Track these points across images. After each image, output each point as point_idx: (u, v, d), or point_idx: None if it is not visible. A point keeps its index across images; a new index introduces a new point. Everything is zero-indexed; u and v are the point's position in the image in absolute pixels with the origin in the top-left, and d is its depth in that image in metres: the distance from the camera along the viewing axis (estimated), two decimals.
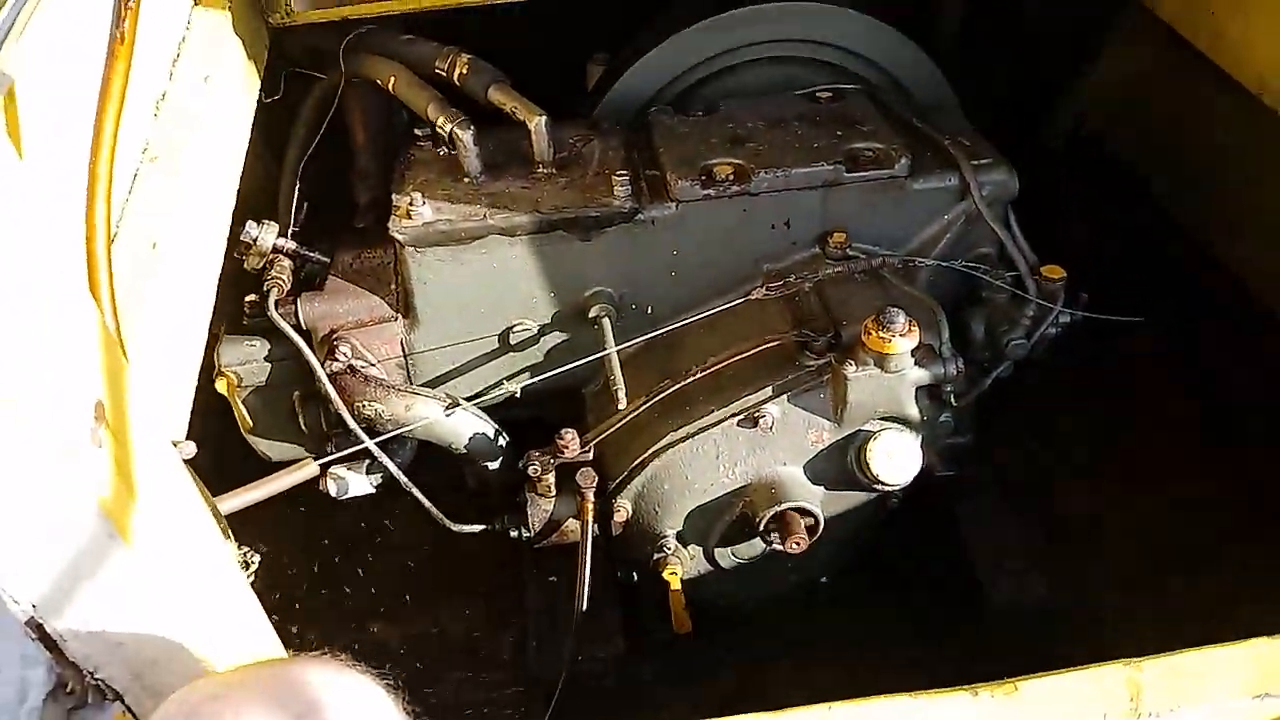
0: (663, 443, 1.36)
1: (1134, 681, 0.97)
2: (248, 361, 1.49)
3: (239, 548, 0.97)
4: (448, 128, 1.45)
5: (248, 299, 1.49)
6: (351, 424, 1.42)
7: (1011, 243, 1.44)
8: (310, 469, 1.23)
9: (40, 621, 0.67)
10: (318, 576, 1.76)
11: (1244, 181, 1.88)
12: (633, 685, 1.56)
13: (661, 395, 1.38)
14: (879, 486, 1.34)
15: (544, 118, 1.45)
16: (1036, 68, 2.31)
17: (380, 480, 1.53)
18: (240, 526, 1.00)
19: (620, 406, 1.34)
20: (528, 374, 1.53)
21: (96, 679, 0.71)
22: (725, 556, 1.46)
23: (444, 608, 1.72)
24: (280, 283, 1.45)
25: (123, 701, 0.73)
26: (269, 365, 1.50)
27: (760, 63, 1.69)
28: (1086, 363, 1.80)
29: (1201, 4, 1.79)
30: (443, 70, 1.53)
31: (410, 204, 1.40)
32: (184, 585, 0.76)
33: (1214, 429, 1.99)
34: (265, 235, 1.45)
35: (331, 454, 1.50)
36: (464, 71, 1.51)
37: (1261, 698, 0.96)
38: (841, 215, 1.45)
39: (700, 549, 1.45)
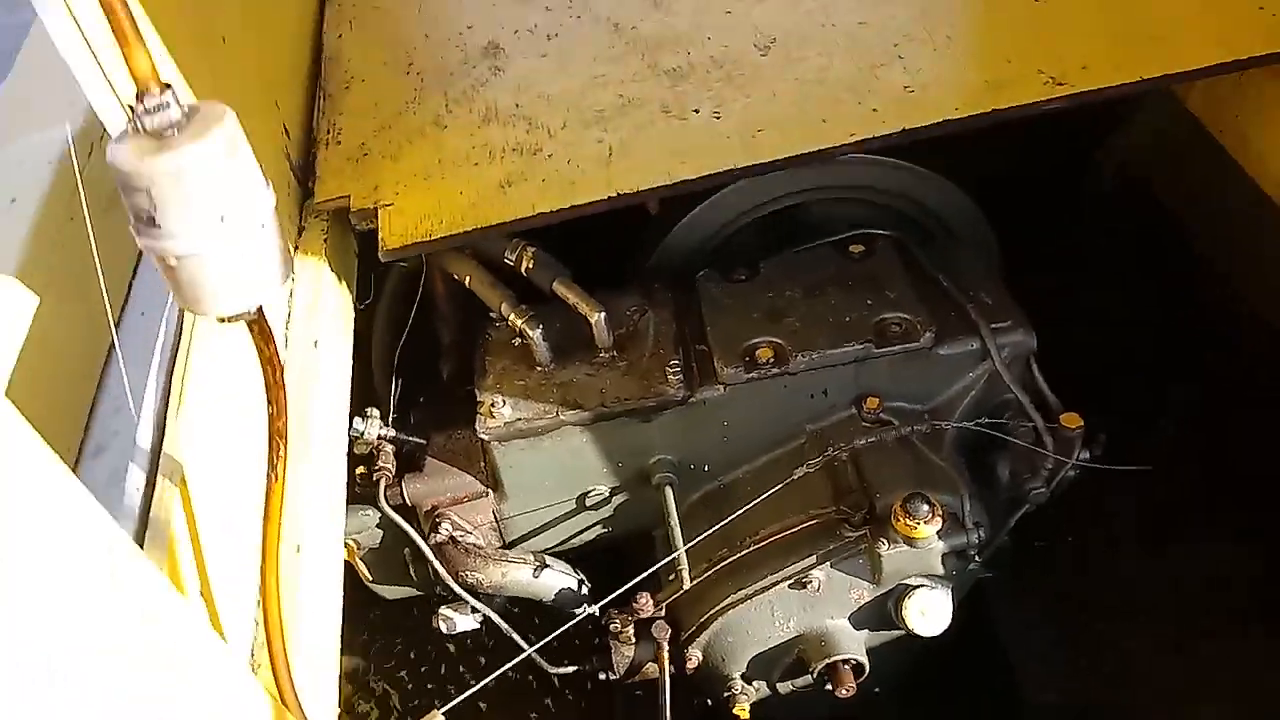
0: (725, 603, 1.57)
1: None
2: (363, 529, 1.73)
3: None
4: (518, 324, 1.66)
5: (359, 472, 1.72)
6: (455, 588, 1.66)
7: (1028, 400, 1.60)
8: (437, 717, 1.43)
9: None
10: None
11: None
12: None
13: (723, 562, 1.58)
14: (916, 634, 1.53)
15: (603, 314, 1.63)
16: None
17: (483, 618, 1.77)
18: None
19: (685, 582, 1.55)
20: (602, 527, 1.75)
21: None
22: (786, 688, 1.67)
23: None
24: (386, 472, 1.67)
25: None
26: (381, 531, 1.73)
27: (810, 206, 1.84)
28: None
29: (1229, 106, 1.87)
30: (511, 260, 1.72)
31: (492, 405, 1.61)
32: None
33: (1250, 496, 2.12)
34: (370, 429, 1.67)
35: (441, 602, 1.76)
36: (530, 265, 1.70)
37: None
38: (873, 381, 1.61)
39: (764, 683, 1.66)
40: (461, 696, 1.59)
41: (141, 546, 1.02)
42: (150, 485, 1.07)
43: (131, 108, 0.71)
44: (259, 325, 0.87)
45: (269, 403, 0.97)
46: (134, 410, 1.15)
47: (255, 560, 1.06)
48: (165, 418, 1.11)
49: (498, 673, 1.61)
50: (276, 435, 0.98)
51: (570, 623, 1.61)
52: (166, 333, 1.19)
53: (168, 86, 0.71)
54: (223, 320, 0.83)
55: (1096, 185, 2.74)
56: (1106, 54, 1.50)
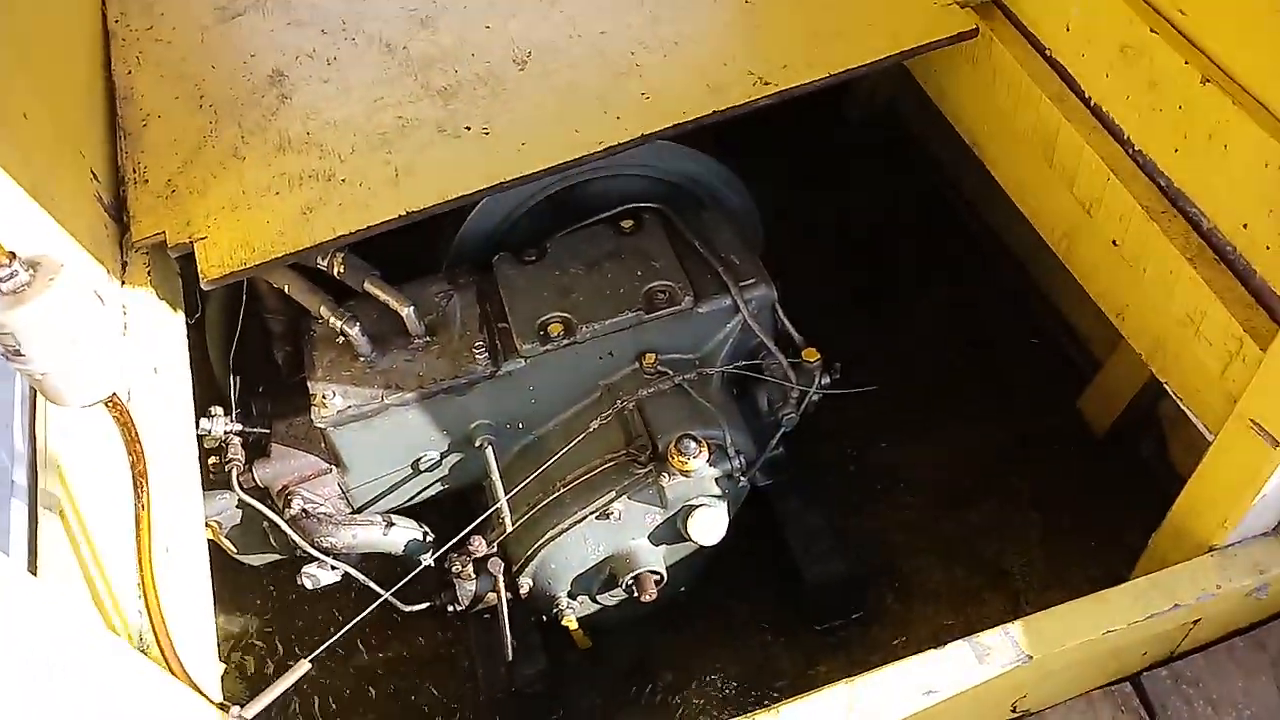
0: (545, 537, 1.88)
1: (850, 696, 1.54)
2: (223, 511, 1.95)
3: None
4: (338, 324, 1.88)
5: (211, 462, 1.94)
6: (313, 553, 1.92)
7: (771, 344, 1.93)
8: (304, 666, 1.69)
9: None
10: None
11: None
12: (559, 681, 2.14)
13: (539, 505, 1.89)
14: (701, 545, 1.89)
15: (411, 307, 1.87)
16: None
17: (341, 574, 2.03)
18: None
19: (508, 526, 1.85)
20: (439, 484, 2.03)
21: None
22: (605, 599, 2.02)
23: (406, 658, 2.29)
24: (237, 461, 1.89)
25: None
26: (240, 510, 1.96)
27: (585, 185, 2.09)
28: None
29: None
30: (324, 266, 1.93)
31: (324, 396, 1.84)
32: None
33: (989, 382, 2.56)
34: (216, 426, 1.88)
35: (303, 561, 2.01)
36: (342, 270, 1.91)
37: (927, 695, 1.54)
38: (649, 340, 1.92)
39: (586, 598, 2.00)
40: (327, 642, 1.86)
41: (34, 574, 1.25)
42: (34, 520, 1.29)
43: None
44: (113, 402, 1.09)
45: (129, 453, 1.20)
46: (6, 456, 1.35)
47: (133, 566, 1.29)
48: (35, 462, 1.32)
49: (358, 618, 1.89)
50: (140, 477, 1.21)
51: (414, 572, 1.89)
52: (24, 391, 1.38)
53: (13, 256, 0.92)
54: (81, 408, 1.05)
55: (852, 112, 3.11)
56: (803, 53, 1.80)
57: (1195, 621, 1.78)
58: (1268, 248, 1.44)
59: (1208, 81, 1.46)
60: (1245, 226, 1.49)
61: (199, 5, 2.04)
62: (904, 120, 2.99)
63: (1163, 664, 1.97)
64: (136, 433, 1.14)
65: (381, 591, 1.94)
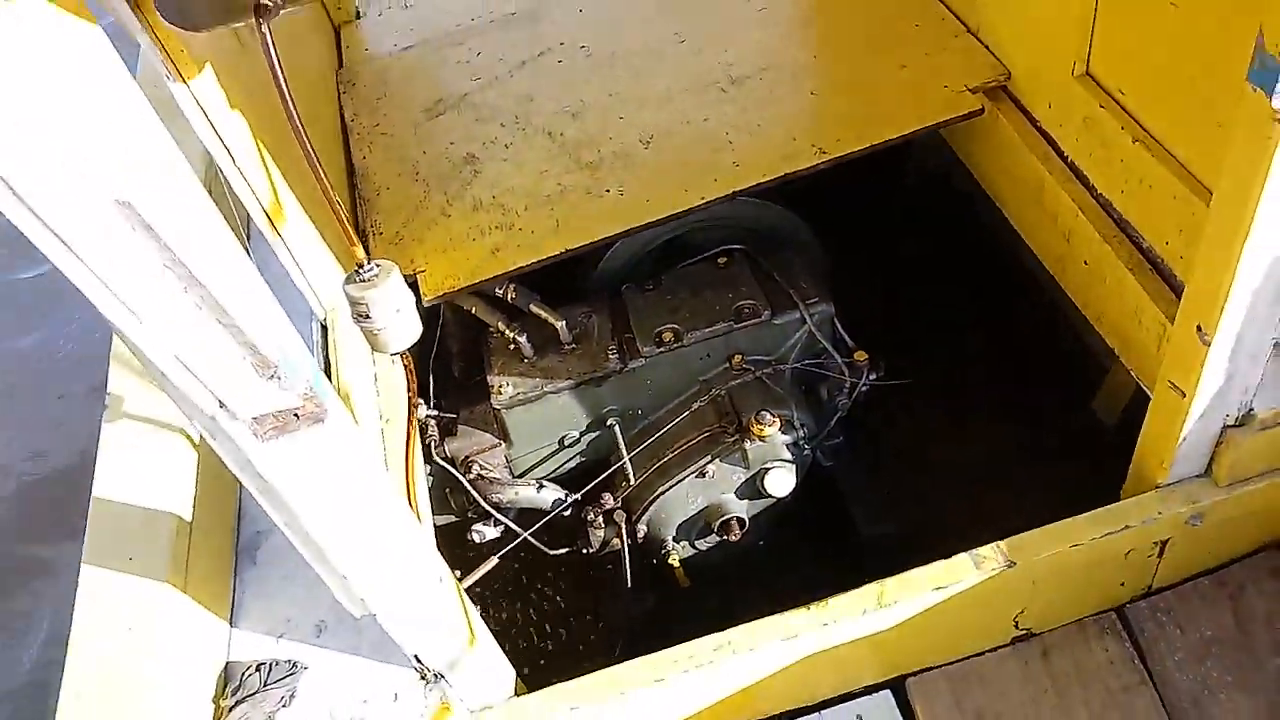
0: (657, 493, 2.51)
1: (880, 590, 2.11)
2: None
3: None
4: (510, 334, 2.57)
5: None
6: (485, 506, 2.58)
7: (830, 347, 2.55)
8: (493, 561, 2.35)
9: None
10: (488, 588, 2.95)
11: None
12: (663, 619, 2.73)
13: (653, 468, 2.52)
14: (774, 497, 2.50)
15: (564, 322, 2.54)
16: None
17: (502, 530, 2.68)
18: None
19: (631, 482, 2.49)
20: (579, 457, 2.69)
21: None
22: (702, 544, 2.63)
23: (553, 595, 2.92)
24: (434, 438, 2.58)
25: None
26: (431, 477, 2.64)
27: (692, 233, 2.75)
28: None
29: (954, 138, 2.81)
30: (501, 294, 2.62)
31: (499, 386, 2.53)
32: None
33: (1018, 389, 3.12)
34: (420, 411, 2.58)
35: (472, 521, 2.67)
36: (514, 295, 2.59)
37: (937, 590, 2.10)
38: (738, 345, 2.55)
39: (687, 542, 2.62)
40: (479, 571, 2.46)
41: None
42: None
43: (357, 270, 1.62)
44: (405, 354, 1.78)
45: (408, 385, 1.87)
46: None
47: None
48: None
49: (507, 548, 2.51)
50: (413, 399, 1.89)
51: (558, 509, 2.54)
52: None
53: (370, 260, 1.63)
54: (393, 354, 1.74)
55: (910, 179, 3.71)
56: (851, 130, 2.45)
57: (1160, 553, 2.30)
58: (1180, 257, 2.02)
59: (1137, 141, 2.05)
60: (1167, 243, 2.06)
61: (411, 107, 2.81)
62: (953, 184, 3.59)
63: (1142, 598, 2.49)
64: (413, 373, 1.82)
65: (529, 537, 2.58)
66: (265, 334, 1.25)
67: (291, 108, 1.40)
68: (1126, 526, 2.10)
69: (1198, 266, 1.77)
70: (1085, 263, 2.30)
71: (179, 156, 1.08)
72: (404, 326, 1.66)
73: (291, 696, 1.96)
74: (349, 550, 1.59)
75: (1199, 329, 1.80)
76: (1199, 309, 1.79)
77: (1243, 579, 2.49)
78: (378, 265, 1.62)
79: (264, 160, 1.89)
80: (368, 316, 1.63)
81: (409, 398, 1.85)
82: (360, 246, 1.61)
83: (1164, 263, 2.09)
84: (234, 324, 1.19)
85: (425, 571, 1.76)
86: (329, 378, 2.04)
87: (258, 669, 1.99)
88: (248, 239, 2.40)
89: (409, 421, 1.88)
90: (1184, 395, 1.92)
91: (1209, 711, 2.33)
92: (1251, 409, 2.00)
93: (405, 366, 1.80)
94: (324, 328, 2.15)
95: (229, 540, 2.18)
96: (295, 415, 1.38)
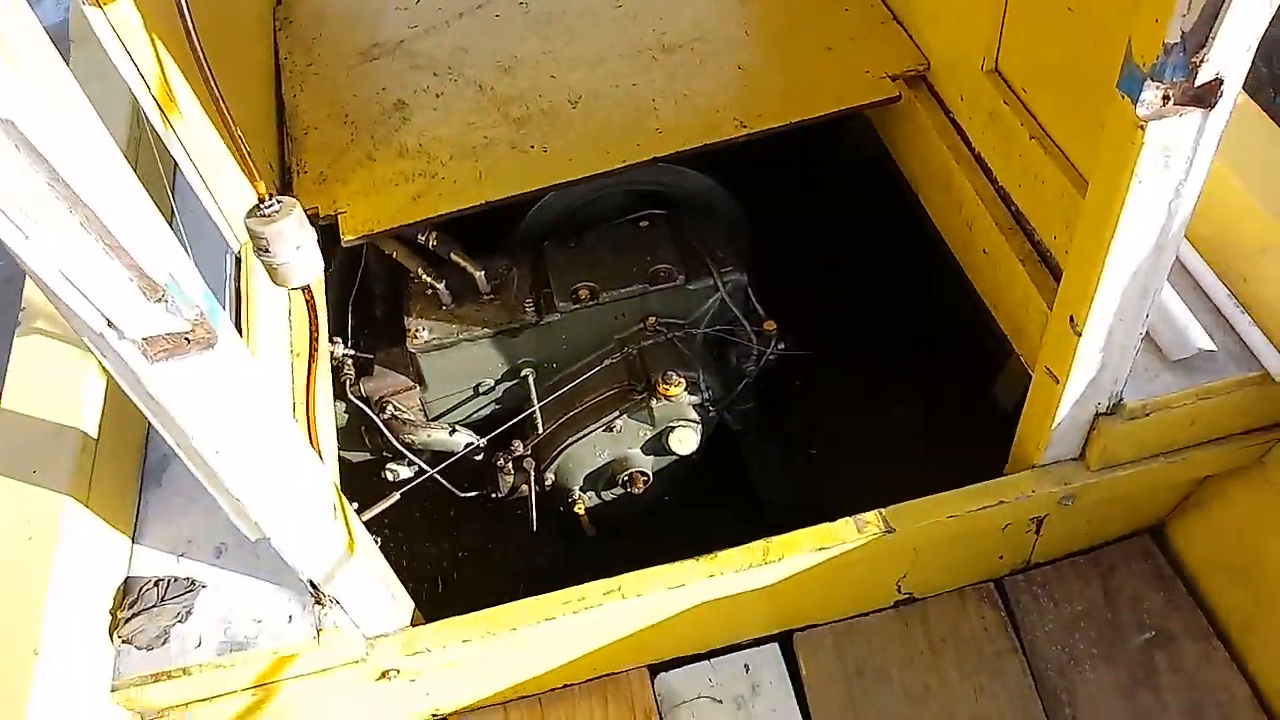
0: (566, 443, 2.59)
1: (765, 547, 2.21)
2: (335, 414, 2.69)
3: None
4: (429, 280, 2.62)
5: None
6: (399, 447, 2.64)
7: (741, 316, 2.63)
8: (395, 496, 2.41)
9: None
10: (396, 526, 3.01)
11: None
12: (567, 566, 2.82)
13: (563, 419, 2.60)
14: (678, 455, 2.59)
15: (483, 271, 2.60)
16: None
17: (415, 470, 2.75)
18: None
19: (540, 431, 2.57)
20: (493, 405, 2.75)
21: None
22: (607, 496, 2.72)
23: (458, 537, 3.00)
24: (349, 375, 2.64)
25: None
26: (347, 415, 2.70)
27: (616, 195, 2.81)
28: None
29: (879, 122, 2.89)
30: (423, 240, 2.67)
31: (416, 329, 2.58)
32: None
33: (925, 369, 3.23)
34: (337, 349, 2.63)
35: (386, 460, 2.73)
36: (435, 242, 2.64)
37: (819, 550, 2.21)
38: (652, 307, 2.63)
39: (593, 493, 2.71)
40: (380, 505, 2.50)
41: None
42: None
43: (258, 205, 1.66)
44: (308, 289, 1.83)
45: (311, 325, 1.93)
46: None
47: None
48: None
49: (409, 485, 2.56)
50: (315, 341, 1.94)
51: (463, 448, 2.61)
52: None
53: (272, 194, 1.67)
54: (293, 289, 1.79)
55: (841, 161, 3.78)
56: (774, 108, 2.52)
57: (1037, 529, 2.43)
58: (1066, 251, 2.12)
59: (1034, 137, 2.14)
60: (1055, 237, 2.17)
61: (345, 50, 2.83)
62: (882, 166, 3.67)
63: (1020, 572, 2.63)
64: (317, 310, 1.88)
65: (439, 477, 2.64)
66: (152, 258, 1.29)
67: (194, 38, 1.44)
68: (1001, 502, 2.22)
69: (1072, 259, 1.87)
70: (984, 251, 2.40)
71: (68, 77, 1.12)
72: (304, 263, 1.71)
73: (188, 613, 2.02)
74: (242, 475, 1.65)
75: (1071, 319, 1.90)
76: (1072, 299, 1.89)
77: (1114, 559, 2.65)
78: (279, 201, 1.67)
79: (177, 93, 1.92)
80: (268, 251, 1.68)
81: (311, 331, 1.90)
82: (262, 183, 1.65)
83: (1051, 255, 2.20)
84: (119, 246, 1.24)
85: (320, 501, 1.82)
86: (240, 308, 2.09)
87: (156, 584, 2.05)
88: (173, 185, 2.44)
89: (311, 355, 1.93)
90: (1058, 382, 2.03)
91: (1073, 680, 2.48)
92: (1121, 399, 2.11)
93: (308, 301, 1.85)
94: (239, 260, 2.18)
95: (136, 461, 2.23)
96: (185, 339, 1.43)
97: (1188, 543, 2.58)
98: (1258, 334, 2.14)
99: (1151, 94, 1.52)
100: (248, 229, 1.69)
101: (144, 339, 1.39)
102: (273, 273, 1.75)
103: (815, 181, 3.64)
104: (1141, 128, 1.53)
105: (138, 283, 1.31)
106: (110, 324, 1.35)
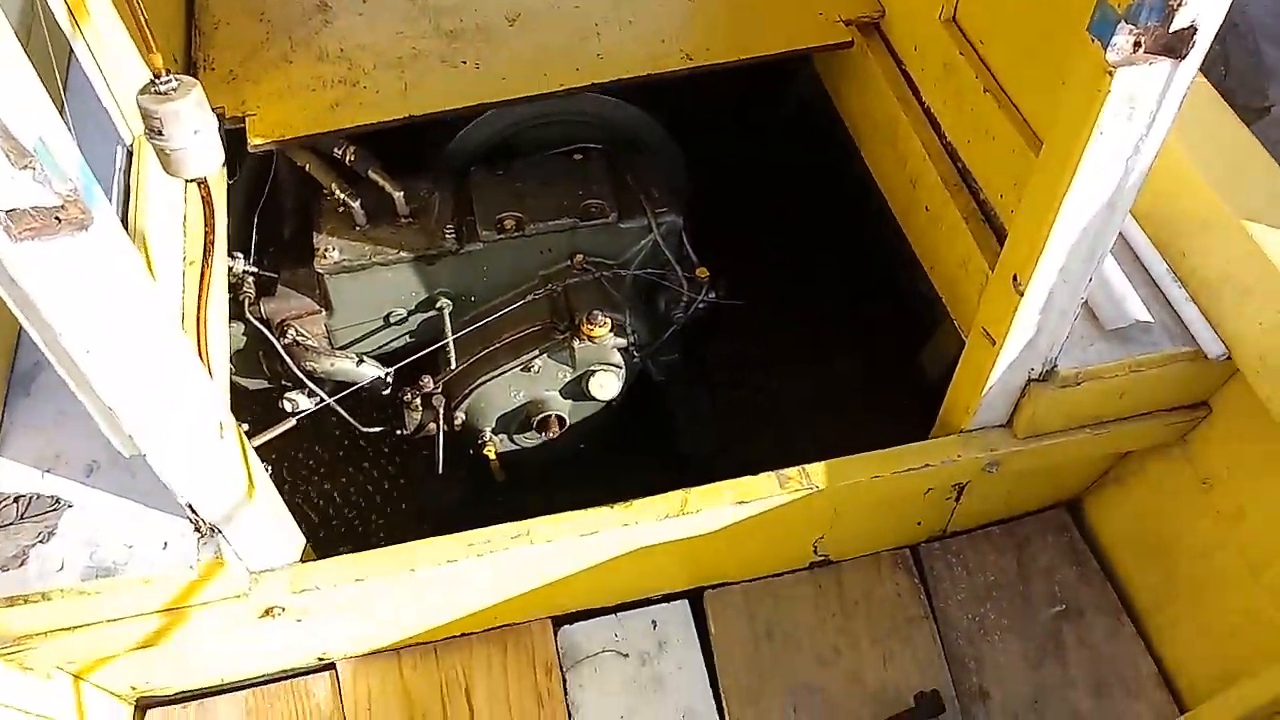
0: (479, 380, 2.45)
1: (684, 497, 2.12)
2: (230, 337, 2.50)
3: None
4: (343, 197, 2.44)
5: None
6: (298, 375, 2.47)
7: (673, 260, 2.52)
8: (291, 421, 2.25)
9: None
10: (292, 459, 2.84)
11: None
12: (473, 512, 2.69)
13: (478, 355, 2.46)
14: (598, 400, 2.47)
15: (401, 192, 2.43)
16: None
17: (316, 402, 2.58)
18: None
19: (452, 366, 2.43)
20: (406, 337, 2.59)
21: None
22: (520, 440, 2.60)
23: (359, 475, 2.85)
24: (249, 295, 2.45)
25: None
26: (245, 338, 2.52)
27: (551, 124, 2.67)
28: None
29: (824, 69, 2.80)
30: (339, 154, 2.48)
31: (325, 249, 2.41)
32: None
33: (854, 329, 3.17)
34: (237, 265, 2.44)
35: (285, 389, 2.55)
36: (353, 157, 2.46)
37: (739, 504, 2.12)
38: (581, 243, 2.50)
39: (505, 436, 2.58)
40: (272, 431, 2.34)
41: None
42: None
43: (153, 81, 1.48)
44: (203, 183, 1.66)
45: (206, 224, 1.75)
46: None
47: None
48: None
49: (305, 412, 2.41)
50: (209, 243, 1.77)
51: (369, 380, 2.45)
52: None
53: (169, 71, 1.49)
54: (188, 181, 1.62)
55: (786, 111, 3.69)
56: (723, 42, 2.40)
57: (958, 497, 2.39)
58: (1012, 211, 2.05)
59: (987, 91, 2.07)
60: (1001, 196, 2.10)
61: None
62: (826, 118, 3.59)
63: (936, 540, 2.60)
64: (214, 210, 1.70)
65: (340, 410, 2.48)
66: (20, 117, 1.13)
67: None
68: (927, 465, 2.16)
69: (1020, 216, 1.81)
70: (926, 208, 2.33)
71: None
72: (201, 151, 1.54)
73: (50, 533, 1.84)
74: (115, 381, 1.49)
75: (1014, 278, 1.84)
76: (1017, 258, 1.83)
77: (1030, 531, 2.63)
78: (177, 79, 1.50)
79: None
80: (161, 134, 1.51)
81: (206, 235, 1.73)
82: (159, 55, 1.47)
83: (996, 215, 2.13)
84: None
85: (204, 417, 1.67)
86: (128, 206, 1.90)
87: (16, 500, 1.87)
88: (67, 68, 2.21)
89: (205, 260, 1.76)
90: (994, 343, 1.97)
91: (981, 649, 2.46)
92: (1055, 365, 2.07)
93: (204, 199, 1.68)
94: (131, 155, 1.99)
95: (2, 366, 2.02)
96: (56, 218, 1.26)
97: (1104, 518, 2.57)
98: (1193, 309, 2.11)
99: (1123, 38, 1.44)
100: (140, 107, 1.51)
101: (6, 212, 1.22)
102: (165, 160, 1.58)
103: (756, 130, 3.54)
104: (1110, 73, 1.46)
105: (2, 144, 1.14)
106: None
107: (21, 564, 1.81)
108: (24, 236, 1.25)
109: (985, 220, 2.15)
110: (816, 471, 2.14)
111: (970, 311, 2.20)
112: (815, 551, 2.48)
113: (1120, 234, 2.17)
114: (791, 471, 2.14)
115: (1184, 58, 1.46)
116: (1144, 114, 1.53)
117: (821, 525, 2.36)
